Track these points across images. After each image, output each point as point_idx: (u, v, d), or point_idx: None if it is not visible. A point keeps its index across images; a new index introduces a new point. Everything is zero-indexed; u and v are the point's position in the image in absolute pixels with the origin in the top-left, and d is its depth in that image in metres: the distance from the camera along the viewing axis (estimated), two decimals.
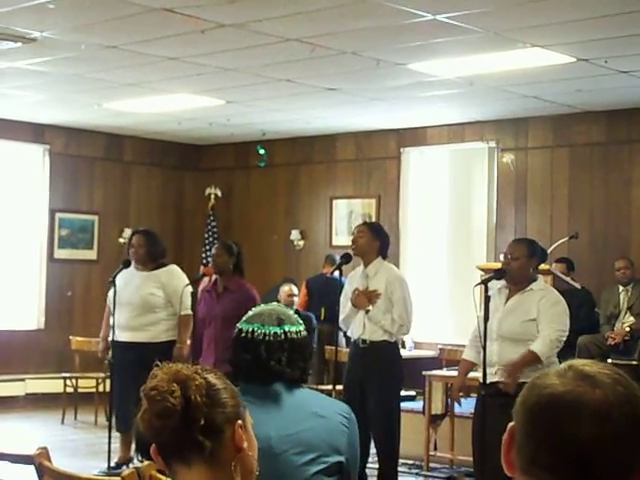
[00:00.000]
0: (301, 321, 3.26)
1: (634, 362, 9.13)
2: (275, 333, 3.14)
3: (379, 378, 7.11)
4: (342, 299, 7.44)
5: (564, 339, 6.16)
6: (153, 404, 2.06)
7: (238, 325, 3.22)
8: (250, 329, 3.16)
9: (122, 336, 7.97)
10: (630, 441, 1.50)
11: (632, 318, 9.62)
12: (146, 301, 7.96)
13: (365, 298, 7.19)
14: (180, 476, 2.07)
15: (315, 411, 3.10)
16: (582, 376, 1.52)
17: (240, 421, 2.09)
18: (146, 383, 2.13)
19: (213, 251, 8.21)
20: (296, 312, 10.41)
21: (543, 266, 7.75)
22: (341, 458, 3.06)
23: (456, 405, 8.40)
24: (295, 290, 10.23)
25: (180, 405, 2.03)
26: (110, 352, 8.24)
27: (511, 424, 1.56)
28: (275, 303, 3.46)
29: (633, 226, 10.49)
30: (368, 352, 7.18)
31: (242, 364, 3.14)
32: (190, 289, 8.15)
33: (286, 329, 3.16)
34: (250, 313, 3.24)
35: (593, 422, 1.47)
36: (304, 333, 3.22)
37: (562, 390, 1.51)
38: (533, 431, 1.51)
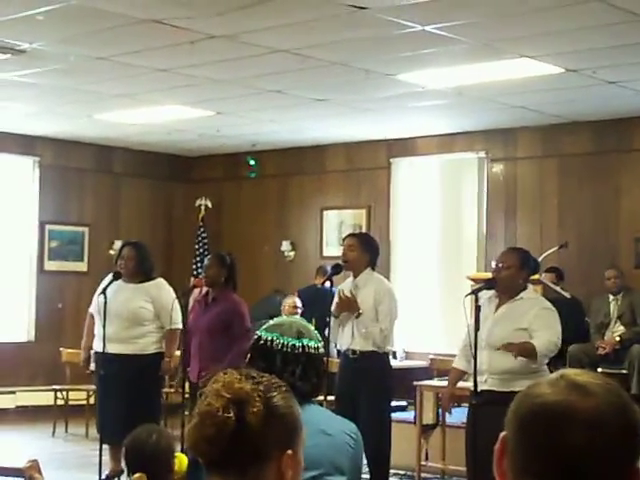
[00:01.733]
0: (320, 338, 3.24)
1: (624, 371, 9.15)
2: (293, 345, 3.11)
3: (369, 389, 7.11)
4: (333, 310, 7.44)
5: (559, 345, 6.18)
6: (203, 426, 1.96)
7: (257, 332, 3.19)
8: (269, 338, 3.13)
9: (110, 348, 7.94)
10: (622, 450, 1.50)
11: (622, 327, 9.63)
12: (136, 314, 7.95)
13: (350, 302, 7.18)
14: None
15: (322, 429, 3.06)
16: (574, 385, 1.52)
17: (290, 451, 1.99)
18: (204, 391, 2.02)
19: (206, 262, 8.21)
20: None
21: (533, 276, 7.78)
22: (343, 479, 3.04)
23: (447, 415, 8.41)
24: (299, 303, 10.11)
25: (231, 430, 1.94)
26: (93, 363, 8.21)
27: (503, 433, 1.56)
28: (297, 316, 3.44)
29: (622, 235, 10.52)
30: (358, 363, 7.18)
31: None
32: (177, 302, 8.14)
33: (305, 343, 3.13)
34: (271, 322, 3.21)
35: (585, 432, 1.48)
36: (322, 350, 3.19)
37: (554, 400, 1.51)
38: (525, 440, 1.52)
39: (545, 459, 1.49)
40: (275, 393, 2.02)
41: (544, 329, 6.12)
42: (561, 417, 1.49)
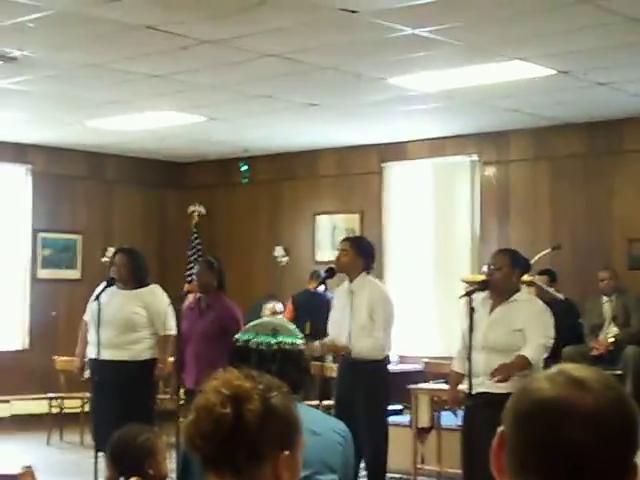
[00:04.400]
0: (299, 334, 3.24)
1: (618, 372, 9.15)
2: (268, 342, 3.13)
3: (367, 393, 7.10)
4: (331, 315, 7.44)
5: (550, 346, 6.20)
6: (200, 421, 1.96)
7: (235, 335, 3.22)
8: (245, 338, 3.16)
9: (104, 354, 7.93)
10: (621, 445, 1.50)
11: (616, 328, 9.64)
12: (129, 320, 7.92)
13: (337, 348, 7.24)
14: None
15: (311, 428, 3.05)
16: (572, 380, 1.52)
17: (288, 452, 1.99)
18: (203, 387, 2.01)
19: (196, 269, 8.20)
20: None
21: (526, 277, 7.78)
22: (335, 477, 3.04)
23: (442, 418, 8.41)
24: (279, 307, 10.13)
25: (228, 427, 1.93)
26: (87, 370, 8.20)
27: (501, 428, 1.56)
28: (279, 316, 3.45)
29: (615, 236, 10.53)
30: (356, 367, 7.17)
31: None
32: (172, 308, 8.12)
33: (280, 339, 3.14)
34: (249, 324, 3.24)
35: (584, 426, 1.48)
36: (300, 345, 3.19)
37: (553, 395, 1.51)
38: (524, 436, 1.51)
39: (544, 454, 1.49)
40: (275, 393, 2.01)
41: (535, 332, 6.13)
42: (560, 412, 1.49)
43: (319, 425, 3.11)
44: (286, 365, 3.11)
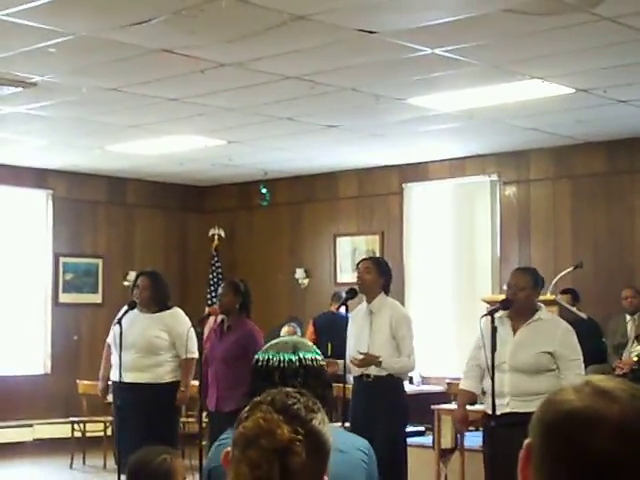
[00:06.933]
0: (318, 350, 3.25)
1: None
2: (290, 360, 3.13)
3: (384, 413, 7.07)
4: (349, 336, 7.40)
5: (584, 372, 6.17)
6: None
7: (256, 355, 3.22)
8: (266, 357, 3.17)
9: (126, 377, 7.94)
10: None
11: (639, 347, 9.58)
12: (151, 343, 7.94)
13: (368, 359, 7.15)
14: None
15: (335, 446, 3.06)
16: (599, 391, 1.51)
17: (326, 477, 1.99)
18: (243, 435, 1.94)
19: (220, 290, 8.21)
20: None
21: (549, 296, 7.75)
22: None
23: (466, 439, 8.36)
24: (297, 330, 10.10)
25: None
26: (110, 394, 8.21)
27: (527, 441, 1.55)
28: (295, 336, 3.45)
29: (637, 254, 10.48)
30: (372, 387, 7.15)
31: (259, 392, 3.13)
32: (193, 331, 8.13)
33: (300, 355, 3.15)
34: (268, 344, 3.24)
35: (611, 437, 1.46)
36: (321, 361, 3.20)
37: (579, 405, 1.50)
38: (550, 447, 1.50)
39: (571, 466, 1.47)
40: (313, 418, 2.00)
41: (570, 365, 6.05)
42: (587, 423, 1.48)
43: (343, 443, 3.11)
44: (309, 380, 3.12)
